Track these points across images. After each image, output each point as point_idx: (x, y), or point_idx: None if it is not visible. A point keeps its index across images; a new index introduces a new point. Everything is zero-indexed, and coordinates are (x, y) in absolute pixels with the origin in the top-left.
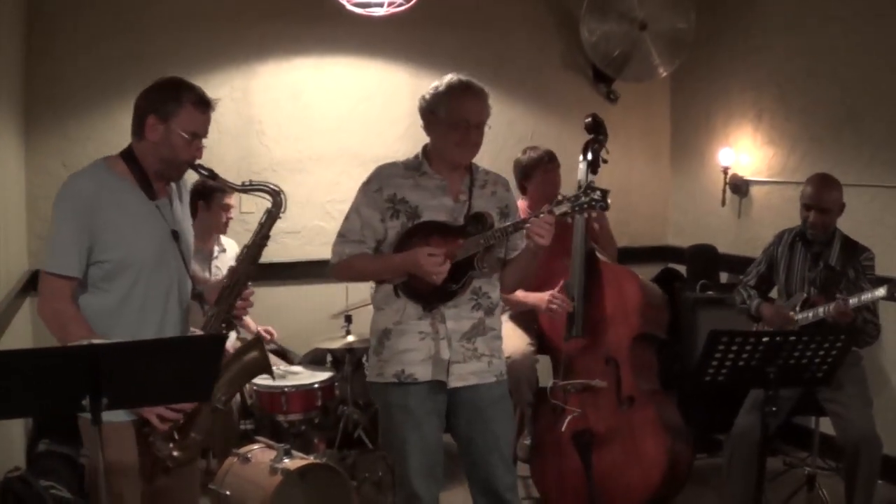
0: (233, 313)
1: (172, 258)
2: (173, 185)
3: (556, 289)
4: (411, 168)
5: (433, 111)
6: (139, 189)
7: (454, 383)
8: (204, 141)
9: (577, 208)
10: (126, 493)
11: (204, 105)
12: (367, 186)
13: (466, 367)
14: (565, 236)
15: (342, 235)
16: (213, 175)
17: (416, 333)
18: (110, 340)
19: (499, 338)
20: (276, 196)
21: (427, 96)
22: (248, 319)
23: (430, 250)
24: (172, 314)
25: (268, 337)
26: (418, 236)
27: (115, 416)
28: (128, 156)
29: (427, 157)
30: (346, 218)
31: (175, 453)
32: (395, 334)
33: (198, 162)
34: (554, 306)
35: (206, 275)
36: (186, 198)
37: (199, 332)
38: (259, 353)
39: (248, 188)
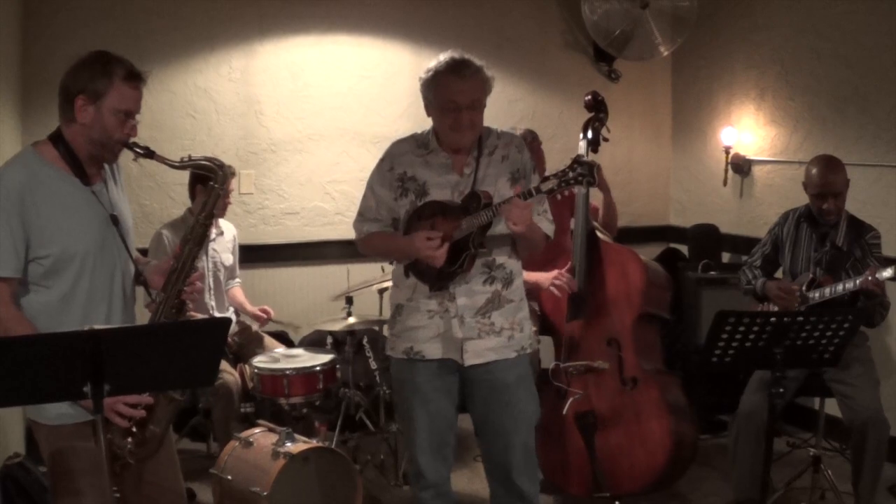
0: (181, 298)
1: (114, 245)
2: (106, 166)
3: (566, 268)
4: (421, 144)
5: (426, 95)
6: (73, 176)
7: (471, 361)
8: (202, 120)
9: (563, 184)
10: (89, 493)
11: (135, 79)
12: (381, 164)
13: (483, 343)
14: (570, 214)
15: (361, 214)
16: (149, 153)
17: (425, 312)
18: (111, 326)
19: (521, 309)
20: (219, 171)
21: (421, 78)
22: (244, 301)
23: (428, 233)
24: (118, 303)
25: (264, 317)
26: (423, 218)
27: (79, 417)
28: (58, 141)
29: (435, 133)
30: (364, 196)
31: (134, 448)
32: (407, 311)
33: (132, 140)
34: (559, 283)
35: (203, 258)
36: (121, 178)
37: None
38: None
39: (187, 164)
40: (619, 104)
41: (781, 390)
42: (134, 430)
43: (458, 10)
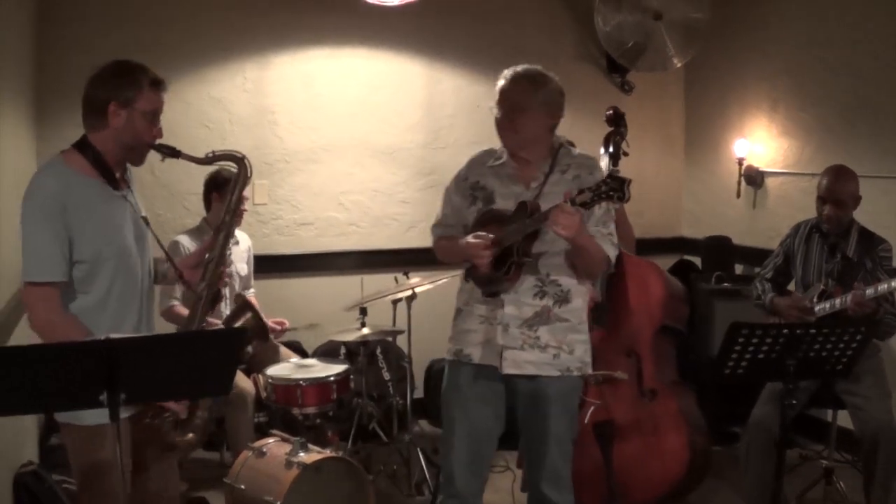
0: (219, 286)
1: (144, 246)
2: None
3: None
4: (494, 155)
5: None
6: (101, 182)
7: (508, 369)
8: (216, 131)
9: (596, 198)
10: (119, 492)
11: (159, 85)
12: (459, 174)
13: (524, 355)
14: None
15: (437, 220)
16: (175, 153)
17: (476, 316)
18: (128, 335)
19: (576, 331)
20: (241, 162)
21: None
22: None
23: (478, 233)
24: (146, 304)
25: (279, 329)
26: (480, 225)
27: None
28: (86, 149)
29: None
30: (442, 204)
31: (185, 436)
32: (463, 315)
33: (159, 141)
34: None
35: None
36: (134, 183)
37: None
38: (251, 314)
39: (212, 159)
40: (632, 116)
41: (794, 402)
42: (183, 417)
43: (471, 21)
